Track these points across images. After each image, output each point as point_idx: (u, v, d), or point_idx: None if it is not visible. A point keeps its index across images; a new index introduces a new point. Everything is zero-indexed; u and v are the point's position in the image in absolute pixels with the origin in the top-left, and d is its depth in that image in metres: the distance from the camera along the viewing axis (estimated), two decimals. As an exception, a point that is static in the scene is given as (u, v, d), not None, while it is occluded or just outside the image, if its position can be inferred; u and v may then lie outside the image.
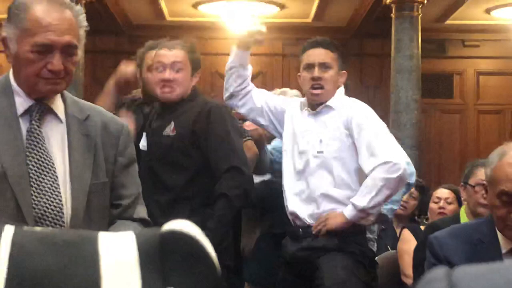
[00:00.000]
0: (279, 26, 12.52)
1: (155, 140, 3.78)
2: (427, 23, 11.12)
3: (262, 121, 4.01)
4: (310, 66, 3.73)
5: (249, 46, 3.93)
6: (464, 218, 4.20)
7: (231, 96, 3.99)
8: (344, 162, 3.70)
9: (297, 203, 3.78)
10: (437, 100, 12.96)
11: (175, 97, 3.74)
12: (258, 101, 3.97)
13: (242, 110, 4.03)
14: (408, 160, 4.09)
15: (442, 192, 5.31)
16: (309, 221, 3.74)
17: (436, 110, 13.00)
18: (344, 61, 3.80)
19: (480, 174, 4.11)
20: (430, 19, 11.65)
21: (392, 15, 10.44)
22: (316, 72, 3.70)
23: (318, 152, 3.69)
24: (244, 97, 3.95)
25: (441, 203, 5.22)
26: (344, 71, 3.83)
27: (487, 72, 13.06)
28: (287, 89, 4.85)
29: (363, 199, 3.60)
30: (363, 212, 3.63)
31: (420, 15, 10.38)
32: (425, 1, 10.34)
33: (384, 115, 10.16)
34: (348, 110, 3.72)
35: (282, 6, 11.65)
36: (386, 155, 3.62)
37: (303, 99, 3.92)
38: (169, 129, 3.73)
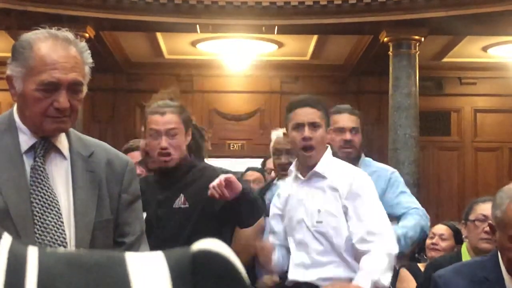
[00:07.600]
0: (277, 64, 12.59)
1: (164, 213, 3.60)
2: (424, 61, 11.19)
3: None
4: (299, 126, 3.69)
5: None
6: (465, 255, 4.19)
7: None
8: (339, 231, 3.61)
9: (298, 272, 3.72)
10: (434, 138, 12.99)
11: (173, 164, 3.58)
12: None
13: None
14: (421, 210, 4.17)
15: (438, 228, 5.28)
16: (306, 279, 3.67)
17: (433, 147, 13.02)
18: (328, 118, 3.81)
19: (480, 209, 4.13)
20: (427, 57, 11.72)
21: (390, 53, 10.49)
22: (306, 132, 3.66)
23: (317, 222, 3.61)
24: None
25: (434, 239, 5.18)
26: (330, 128, 3.84)
27: (484, 110, 13.11)
28: (279, 132, 4.75)
29: (384, 276, 3.47)
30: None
31: (418, 53, 10.44)
32: (423, 39, 10.40)
33: (382, 153, 10.23)
34: (344, 178, 3.65)
35: (280, 44, 11.71)
36: (384, 230, 3.59)
37: (292, 168, 3.83)
38: (180, 201, 3.57)
